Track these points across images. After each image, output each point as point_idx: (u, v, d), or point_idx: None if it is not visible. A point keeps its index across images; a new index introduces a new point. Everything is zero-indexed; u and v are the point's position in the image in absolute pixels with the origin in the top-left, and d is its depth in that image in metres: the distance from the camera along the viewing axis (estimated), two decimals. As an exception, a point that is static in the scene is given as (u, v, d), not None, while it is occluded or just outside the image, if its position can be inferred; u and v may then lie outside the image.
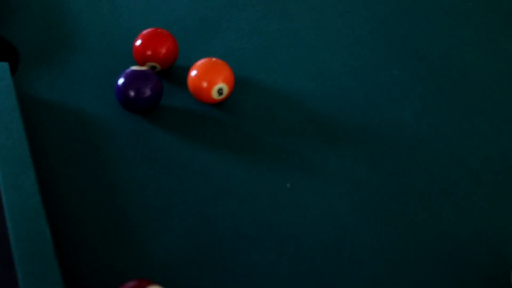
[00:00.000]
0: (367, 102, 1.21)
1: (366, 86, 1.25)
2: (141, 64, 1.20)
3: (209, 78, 1.15)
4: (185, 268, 0.93)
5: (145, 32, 1.22)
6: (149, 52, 1.21)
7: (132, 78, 1.13)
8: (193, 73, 1.17)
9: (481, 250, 0.98)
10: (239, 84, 1.22)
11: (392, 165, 1.10)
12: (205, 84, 1.15)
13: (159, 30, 1.22)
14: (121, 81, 1.13)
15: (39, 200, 0.94)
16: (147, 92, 1.12)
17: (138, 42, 1.21)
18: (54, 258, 0.87)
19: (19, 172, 0.97)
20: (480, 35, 1.37)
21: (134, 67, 1.14)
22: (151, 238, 0.97)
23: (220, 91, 1.16)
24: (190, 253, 0.95)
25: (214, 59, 1.18)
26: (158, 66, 1.21)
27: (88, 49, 1.29)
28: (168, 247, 0.96)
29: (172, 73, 1.24)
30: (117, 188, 1.04)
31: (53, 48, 1.28)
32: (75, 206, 1.00)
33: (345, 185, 1.07)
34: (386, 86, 1.25)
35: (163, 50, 1.21)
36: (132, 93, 1.12)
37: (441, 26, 1.39)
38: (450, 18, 1.42)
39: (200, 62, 1.18)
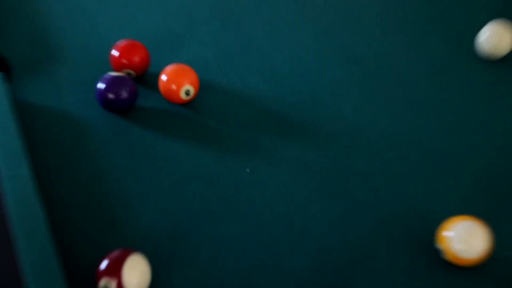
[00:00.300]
0: (313, 99, 1.24)
1: (312, 86, 1.27)
2: (118, 71, 1.22)
3: (177, 81, 1.18)
4: (162, 240, 0.97)
5: (120, 43, 1.25)
6: (124, 61, 1.23)
7: (111, 82, 1.15)
8: (163, 77, 1.19)
9: (411, 219, 1.03)
10: (203, 87, 1.24)
11: (335, 150, 1.14)
12: (174, 87, 1.18)
13: (133, 41, 1.25)
14: (101, 85, 1.15)
15: (33, 187, 0.96)
16: (124, 94, 1.15)
17: (115, 52, 1.23)
18: (47, 234, 0.90)
19: (16, 164, 1.00)
20: (407, 41, 1.41)
21: (112, 73, 1.17)
22: (132, 217, 1.00)
23: (187, 92, 1.19)
24: (165, 228, 0.99)
25: (181, 64, 1.21)
26: (133, 72, 1.23)
27: (71, 60, 1.30)
28: (146, 224, 0.99)
29: (145, 78, 1.26)
30: (101, 176, 1.06)
31: (40, 60, 1.29)
32: (64, 191, 1.03)
33: (296, 168, 1.10)
34: (328, 85, 1.28)
35: (137, 59, 1.23)
36: (111, 95, 1.15)
37: (374, 35, 1.43)
38: (382, 27, 1.45)
39: (169, 67, 1.20)
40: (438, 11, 1.49)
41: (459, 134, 1.17)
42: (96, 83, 1.17)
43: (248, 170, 1.09)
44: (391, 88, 1.28)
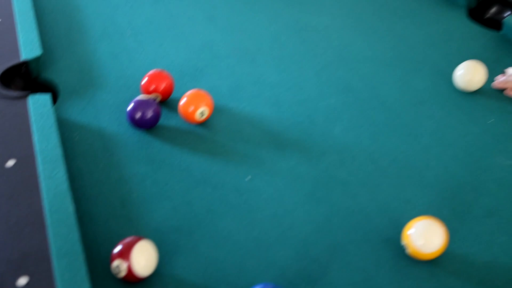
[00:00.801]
0: (309, 121, 1.27)
1: (309, 111, 1.30)
2: (147, 95, 1.27)
3: (195, 103, 1.22)
4: (170, 233, 1.01)
5: (150, 72, 1.30)
6: (152, 86, 1.28)
7: (138, 104, 1.21)
8: (183, 100, 1.24)
9: (384, 221, 1.05)
10: (217, 110, 1.29)
11: (324, 163, 1.17)
12: (191, 108, 1.22)
13: (160, 71, 1.30)
14: (130, 106, 1.21)
15: (66, 186, 1.02)
16: (149, 114, 1.20)
17: (145, 79, 1.29)
18: (75, 225, 0.94)
19: (53, 167, 1.05)
20: (395, 76, 1.43)
21: (140, 96, 1.22)
22: (147, 214, 1.04)
23: (202, 113, 1.23)
24: (174, 224, 1.03)
25: (198, 89, 1.25)
26: (159, 96, 1.28)
27: (109, 87, 1.36)
28: (159, 219, 1.03)
29: (169, 102, 1.31)
30: (125, 180, 1.11)
31: (83, 87, 1.35)
32: (93, 191, 1.08)
33: (289, 177, 1.13)
34: (323, 111, 1.31)
35: (163, 85, 1.29)
36: (138, 115, 1.20)
37: (367, 70, 1.45)
38: (374, 64, 1.47)
39: (188, 92, 1.25)
40: (423, 52, 1.52)
41: (430, 152, 1.19)
42: (127, 105, 1.22)
43: (247, 178, 1.12)
44: (377, 114, 1.30)
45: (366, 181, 1.12)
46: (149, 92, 1.27)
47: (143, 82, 1.28)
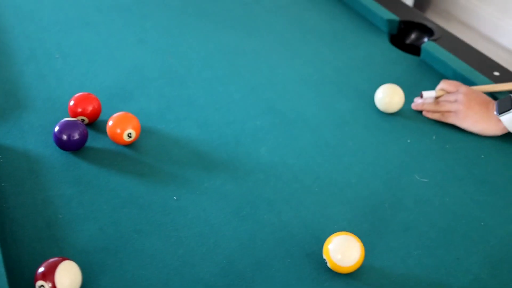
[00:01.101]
0: (236, 142, 1.31)
1: (236, 132, 1.34)
2: (73, 118, 1.28)
3: (121, 125, 1.25)
4: (96, 253, 1.02)
5: (77, 95, 1.32)
6: (79, 109, 1.30)
7: (65, 126, 1.22)
8: (110, 122, 1.26)
9: (306, 237, 1.09)
10: (144, 131, 1.31)
11: (249, 182, 1.20)
12: (118, 130, 1.25)
13: (86, 93, 1.32)
14: (56, 128, 1.22)
15: (-10, 208, 1.01)
16: (76, 135, 1.21)
17: (72, 102, 1.30)
18: (-1, 247, 0.94)
19: (-23, 189, 1.05)
20: (319, 98, 1.49)
21: (66, 119, 1.23)
22: (72, 235, 1.05)
23: (129, 135, 1.25)
24: (100, 244, 1.04)
25: (125, 112, 1.27)
26: (86, 119, 1.30)
27: (36, 109, 1.36)
28: (85, 240, 1.04)
29: (97, 124, 1.33)
30: (51, 201, 1.11)
31: (8, 109, 1.35)
32: (18, 213, 1.08)
33: (215, 196, 1.16)
34: (250, 131, 1.35)
35: (90, 108, 1.30)
36: (64, 137, 1.21)
37: (293, 92, 1.51)
38: (300, 87, 1.53)
39: (115, 115, 1.27)
40: (346, 75, 1.59)
41: (352, 171, 1.25)
42: (54, 126, 1.23)
43: (175, 198, 1.15)
44: (302, 134, 1.36)
45: (290, 199, 1.17)
46: (76, 115, 1.28)
47: (70, 105, 1.29)
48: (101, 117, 1.34)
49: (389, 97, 1.40)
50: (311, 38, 1.79)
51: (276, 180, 1.21)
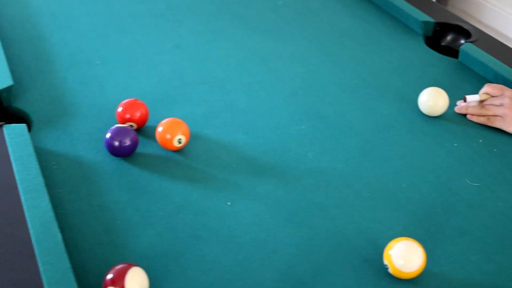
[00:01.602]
0: (282, 147, 1.33)
1: (282, 137, 1.36)
2: (122, 124, 1.30)
3: (171, 131, 1.27)
4: (156, 259, 1.04)
5: (124, 101, 1.34)
6: (127, 115, 1.32)
7: (116, 132, 1.24)
8: (160, 128, 1.28)
9: (362, 242, 1.11)
10: (192, 137, 1.33)
11: (300, 188, 1.22)
12: (168, 136, 1.27)
13: (134, 100, 1.34)
14: (108, 135, 1.24)
15: (52, 215, 1.04)
16: (127, 142, 1.23)
17: (120, 108, 1.32)
18: (64, 253, 0.97)
19: (37, 196, 1.07)
20: (362, 102, 1.51)
21: (117, 125, 1.25)
22: (131, 241, 1.07)
23: (179, 141, 1.27)
24: (159, 249, 1.06)
25: (174, 118, 1.29)
26: (134, 125, 1.32)
27: (82, 116, 1.38)
28: (145, 245, 1.06)
29: (144, 130, 1.34)
30: (107, 207, 1.13)
31: (56, 116, 1.37)
32: (76, 220, 1.10)
33: (268, 202, 1.18)
34: (296, 136, 1.36)
35: (138, 114, 1.32)
36: (116, 143, 1.23)
37: (334, 96, 1.53)
38: (341, 90, 1.55)
39: (165, 121, 1.29)
40: (385, 78, 1.60)
41: (401, 175, 1.26)
42: (104, 134, 1.25)
43: (229, 203, 1.16)
44: (347, 139, 1.37)
45: (342, 204, 1.18)
46: (124, 121, 1.30)
47: (118, 111, 1.31)
48: (149, 122, 1.36)
49: (433, 100, 1.41)
50: (346, 42, 1.80)
51: (327, 185, 1.23)
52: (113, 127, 1.23)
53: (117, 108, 1.32)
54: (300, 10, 1.99)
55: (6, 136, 1.20)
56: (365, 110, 1.48)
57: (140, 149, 1.28)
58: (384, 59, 1.70)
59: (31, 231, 1.00)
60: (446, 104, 1.42)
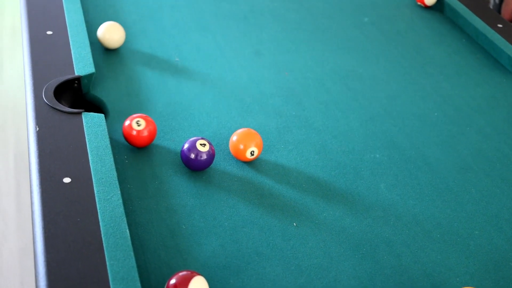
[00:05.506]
0: (355, 173, 1.36)
1: (355, 163, 1.40)
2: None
3: (245, 142, 1.31)
4: (218, 270, 1.09)
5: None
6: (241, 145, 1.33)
7: (194, 148, 1.28)
8: (234, 137, 1.32)
9: (427, 285, 1.13)
10: (264, 150, 1.38)
11: (368, 219, 1.25)
12: (241, 146, 1.31)
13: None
14: (186, 146, 1.28)
15: (122, 211, 1.10)
16: (204, 158, 1.28)
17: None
18: (131, 250, 1.03)
19: (109, 190, 1.14)
20: (441, 136, 1.52)
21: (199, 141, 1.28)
22: (196, 247, 1.13)
23: (252, 153, 1.32)
24: (222, 261, 1.11)
25: (248, 129, 1.34)
26: (142, 122, 1.32)
27: (157, 112, 1.45)
28: (208, 254, 1.12)
29: (218, 137, 1.41)
30: (174, 210, 1.19)
31: (132, 109, 1.44)
32: (143, 218, 1.16)
33: (334, 229, 1.22)
34: (369, 164, 1.40)
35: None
36: (192, 157, 1.28)
37: (413, 127, 1.55)
38: (420, 121, 1.57)
39: (240, 130, 1.33)
40: (468, 115, 1.62)
41: (475, 221, 1.28)
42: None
43: (295, 224, 1.21)
44: (422, 174, 1.39)
45: (410, 243, 1.21)
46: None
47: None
48: (222, 129, 1.41)
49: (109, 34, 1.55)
50: (430, 70, 1.82)
51: (396, 220, 1.26)
52: (191, 141, 1.28)
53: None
54: (386, 30, 2.02)
55: (84, 124, 1.26)
56: (443, 147, 1.49)
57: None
58: (469, 94, 1.71)
59: (101, 224, 1.06)
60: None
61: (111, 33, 1.60)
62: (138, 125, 1.28)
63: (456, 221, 1.27)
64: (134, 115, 1.30)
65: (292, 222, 1.21)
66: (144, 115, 1.31)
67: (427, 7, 2.14)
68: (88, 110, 1.39)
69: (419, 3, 2.15)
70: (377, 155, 1.42)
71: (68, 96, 1.42)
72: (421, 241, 1.22)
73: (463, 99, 1.69)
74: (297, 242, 1.17)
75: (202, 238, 1.14)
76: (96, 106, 1.46)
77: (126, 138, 1.29)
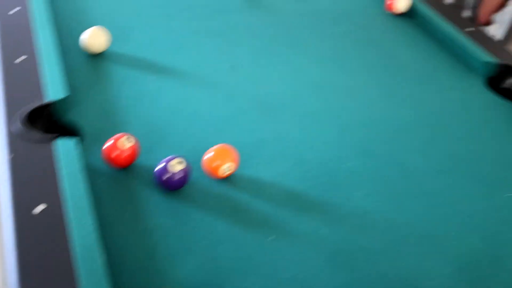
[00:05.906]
0: (330, 184, 1.37)
1: (331, 173, 1.40)
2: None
3: (221, 158, 1.32)
4: (196, 289, 1.09)
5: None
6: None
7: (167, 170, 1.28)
8: (208, 155, 1.33)
9: (405, 286, 1.14)
10: (240, 165, 1.38)
11: (344, 228, 1.26)
12: (216, 163, 1.31)
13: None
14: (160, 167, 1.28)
15: (96, 236, 1.10)
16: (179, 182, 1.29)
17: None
18: (104, 278, 1.03)
19: (83, 215, 1.14)
20: (415, 141, 1.54)
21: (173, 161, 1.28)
22: (174, 268, 1.13)
23: (227, 169, 1.32)
24: (202, 279, 1.11)
25: (223, 144, 1.34)
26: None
27: (132, 131, 1.44)
28: (186, 274, 1.12)
29: (192, 155, 1.40)
30: (150, 232, 1.19)
31: (107, 131, 1.43)
32: (119, 241, 1.16)
33: (311, 240, 1.22)
34: (345, 173, 1.40)
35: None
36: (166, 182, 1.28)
37: (388, 134, 1.56)
38: (394, 128, 1.58)
39: (215, 146, 1.34)
40: (441, 119, 1.63)
41: (450, 223, 1.29)
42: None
43: (269, 238, 1.21)
44: (397, 180, 1.40)
45: (386, 248, 1.22)
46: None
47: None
48: (198, 145, 1.41)
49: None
50: (404, 76, 1.84)
51: (372, 228, 1.27)
52: (163, 165, 1.28)
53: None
54: (360, 38, 2.03)
55: (58, 149, 1.26)
56: (419, 151, 1.50)
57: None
58: (442, 98, 1.72)
59: (76, 251, 1.05)
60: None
61: (95, 38, 1.67)
62: (129, 142, 1.27)
63: (432, 224, 1.28)
64: (117, 135, 1.29)
65: (269, 236, 1.21)
66: (126, 133, 1.31)
67: (398, 15, 2.15)
68: (64, 133, 1.38)
69: (388, 11, 2.16)
70: (352, 164, 1.43)
71: (43, 121, 1.41)
72: (398, 247, 1.22)
73: (436, 103, 1.70)
74: (275, 255, 1.17)
75: (180, 258, 1.14)
76: (72, 129, 1.44)
77: (109, 159, 1.28)
